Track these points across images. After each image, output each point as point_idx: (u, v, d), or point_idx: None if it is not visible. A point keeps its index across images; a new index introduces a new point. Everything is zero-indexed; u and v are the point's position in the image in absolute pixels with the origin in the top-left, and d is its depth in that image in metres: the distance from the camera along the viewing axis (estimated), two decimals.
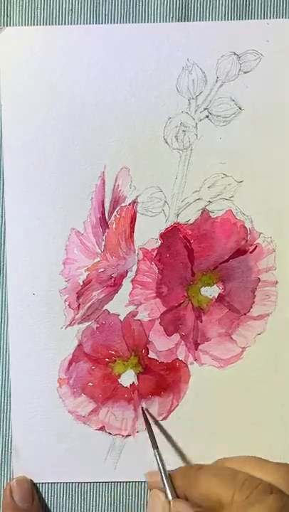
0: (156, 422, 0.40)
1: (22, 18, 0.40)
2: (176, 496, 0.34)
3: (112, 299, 0.40)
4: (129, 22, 0.40)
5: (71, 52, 0.40)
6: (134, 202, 0.40)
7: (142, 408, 0.40)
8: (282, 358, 0.40)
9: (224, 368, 0.40)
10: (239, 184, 0.40)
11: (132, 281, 0.40)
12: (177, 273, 0.40)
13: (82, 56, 0.40)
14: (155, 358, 0.40)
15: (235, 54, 0.39)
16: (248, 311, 0.40)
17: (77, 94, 0.40)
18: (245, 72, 0.40)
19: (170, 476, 0.35)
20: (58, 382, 0.40)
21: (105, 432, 0.41)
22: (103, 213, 0.40)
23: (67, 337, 0.40)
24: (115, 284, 0.40)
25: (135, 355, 0.40)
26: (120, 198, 0.40)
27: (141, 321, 0.40)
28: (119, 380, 0.41)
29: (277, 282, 0.40)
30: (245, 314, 0.40)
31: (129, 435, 0.41)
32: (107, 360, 0.41)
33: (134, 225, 0.40)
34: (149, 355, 0.40)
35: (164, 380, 0.40)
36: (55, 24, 0.40)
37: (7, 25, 0.40)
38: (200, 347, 0.40)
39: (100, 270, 0.40)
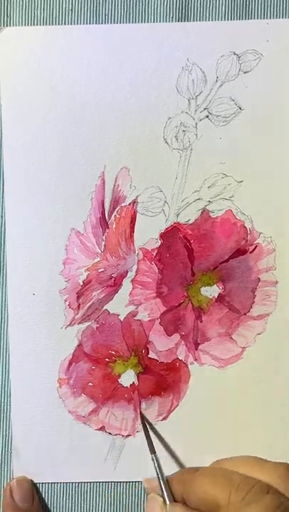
0: (152, 427, 0.40)
1: (22, 18, 0.40)
2: (174, 500, 0.34)
3: (112, 299, 0.40)
4: (129, 22, 0.40)
5: (71, 52, 0.40)
6: (134, 202, 0.40)
7: (141, 413, 0.40)
8: (282, 358, 0.40)
9: (224, 368, 0.40)
10: (239, 184, 0.40)
11: (132, 281, 0.40)
12: (177, 273, 0.40)
13: (82, 56, 0.40)
14: (155, 358, 0.40)
15: (235, 54, 0.39)
16: (248, 311, 0.40)
17: (77, 94, 0.40)
18: (245, 72, 0.40)
19: (167, 481, 0.35)
20: (58, 382, 0.40)
21: (105, 432, 0.41)
22: (103, 213, 0.40)
23: (67, 337, 0.40)
24: (115, 284, 0.40)
25: (135, 355, 0.41)
26: (120, 198, 0.40)
27: (141, 321, 0.40)
28: (119, 380, 0.41)
29: (277, 282, 0.40)
30: (245, 314, 0.40)
31: (129, 435, 0.41)
32: (107, 360, 0.41)
33: (134, 225, 0.40)
34: (149, 355, 0.40)
35: (164, 380, 0.40)
36: (55, 24, 0.40)
37: (7, 25, 0.40)
38: (200, 347, 0.40)
39: (100, 270, 0.40)
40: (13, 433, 0.41)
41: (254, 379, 0.40)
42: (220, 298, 0.40)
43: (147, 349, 0.40)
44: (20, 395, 0.40)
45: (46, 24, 0.40)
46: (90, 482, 0.41)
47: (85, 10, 0.40)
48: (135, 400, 0.41)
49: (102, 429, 0.41)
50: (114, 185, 0.40)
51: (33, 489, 0.40)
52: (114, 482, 0.41)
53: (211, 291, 0.40)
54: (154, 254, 0.40)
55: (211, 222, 0.40)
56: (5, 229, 0.40)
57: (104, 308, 0.40)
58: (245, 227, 0.40)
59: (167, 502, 0.34)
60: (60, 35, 0.40)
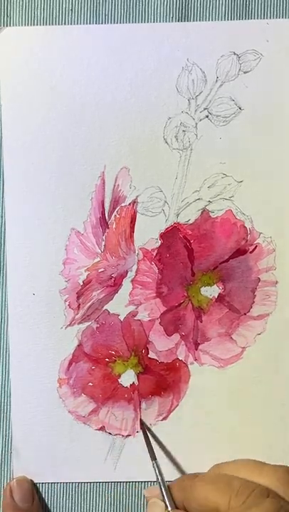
0: (153, 434, 0.40)
1: (22, 18, 0.40)
2: (175, 506, 0.34)
3: (112, 299, 0.40)
4: (129, 22, 0.40)
5: (71, 52, 0.40)
6: (134, 202, 0.40)
7: (141, 420, 0.40)
8: (282, 358, 0.40)
9: (224, 368, 0.40)
10: (239, 184, 0.40)
11: (132, 281, 0.40)
12: (177, 273, 0.40)
13: (82, 56, 0.40)
14: (155, 358, 0.40)
15: (235, 54, 0.39)
16: (248, 311, 0.40)
17: (77, 94, 0.40)
18: (245, 72, 0.40)
19: (168, 487, 0.35)
20: (58, 382, 0.40)
21: (105, 432, 0.41)
22: (103, 213, 0.40)
23: (67, 337, 0.40)
24: (115, 284, 0.40)
25: (135, 355, 0.40)
26: (120, 198, 0.40)
27: (141, 321, 0.40)
28: (119, 380, 0.41)
29: (277, 282, 0.40)
30: (245, 314, 0.40)
31: (129, 435, 0.41)
32: (107, 360, 0.41)
33: (134, 225, 0.40)
34: (149, 355, 0.40)
35: (164, 380, 0.40)
36: (55, 24, 0.40)
37: (7, 25, 0.40)
38: (200, 347, 0.40)
39: (100, 270, 0.40)
40: (13, 433, 0.41)
41: (254, 379, 0.40)
42: (220, 298, 0.40)
43: (147, 349, 0.40)
44: (20, 395, 0.40)
45: (46, 24, 0.40)
46: (90, 482, 0.41)
47: (85, 10, 0.40)
48: (135, 400, 0.41)
49: (102, 429, 0.41)
50: (114, 185, 0.40)
51: (33, 489, 0.40)
52: (114, 482, 0.41)
53: (211, 291, 0.40)
54: (154, 254, 0.40)
55: (211, 222, 0.40)
56: (5, 229, 0.40)
57: (104, 308, 0.40)
58: (245, 227, 0.40)
59: (169, 508, 0.34)
60: (60, 35, 0.40)
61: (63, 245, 0.40)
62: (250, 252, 0.40)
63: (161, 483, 0.35)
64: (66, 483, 0.41)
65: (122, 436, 0.41)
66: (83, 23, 0.40)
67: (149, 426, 0.40)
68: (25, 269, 0.40)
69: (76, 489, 0.41)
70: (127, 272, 0.40)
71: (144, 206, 0.40)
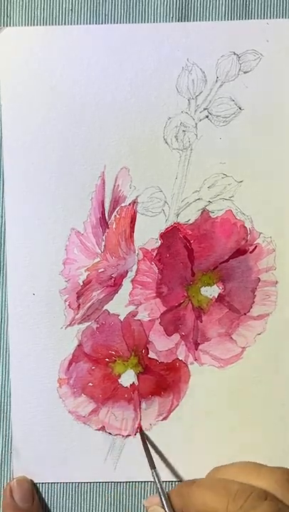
0: (152, 443, 0.40)
1: (22, 18, 0.40)
2: None
3: (112, 299, 0.40)
4: (129, 22, 0.40)
5: (71, 52, 0.40)
6: (134, 202, 0.40)
7: (140, 428, 0.40)
8: (282, 358, 0.40)
9: (224, 367, 0.40)
10: (239, 184, 0.40)
11: (132, 281, 0.40)
12: (177, 273, 0.40)
13: (82, 56, 0.40)
14: (155, 358, 0.40)
15: (235, 54, 0.39)
16: (248, 311, 0.40)
17: (77, 94, 0.40)
18: (245, 72, 0.40)
19: (167, 495, 0.35)
20: (58, 382, 0.40)
21: (105, 432, 0.41)
22: (103, 213, 0.40)
23: (67, 337, 0.40)
24: (115, 284, 0.40)
25: (135, 355, 0.41)
26: (120, 198, 0.40)
27: (141, 321, 0.40)
28: (119, 380, 0.41)
29: (277, 282, 0.40)
30: (245, 314, 0.40)
31: (129, 435, 0.41)
32: (107, 360, 0.41)
33: (134, 225, 0.40)
34: (149, 355, 0.40)
35: (164, 380, 0.40)
36: (55, 24, 0.40)
37: (7, 25, 0.40)
38: (200, 347, 0.40)
39: (100, 270, 0.40)
40: (13, 433, 0.41)
41: (254, 379, 0.40)
42: (220, 298, 0.40)
43: (147, 349, 0.40)
44: (20, 395, 0.40)
45: (46, 24, 0.40)
46: (90, 482, 0.41)
47: (85, 10, 0.40)
48: (135, 400, 0.41)
49: (102, 429, 0.41)
50: (114, 186, 0.40)
51: (33, 489, 0.40)
52: (114, 482, 0.41)
53: (211, 291, 0.40)
54: (154, 254, 0.40)
55: (211, 223, 0.40)
56: (5, 229, 0.40)
57: (105, 308, 0.40)
58: (245, 227, 0.40)
59: None
60: (60, 35, 0.40)
61: (63, 245, 0.40)
62: (250, 252, 0.40)
63: (160, 492, 0.35)
64: (66, 483, 0.41)
65: (122, 436, 0.41)
66: (83, 23, 0.40)
67: (148, 434, 0.40)
68: (25, 269, 0.40)
69: (76, 489, 0.41)
70: (127, 272, 0.40)
71: (144, 206, 0.40)
